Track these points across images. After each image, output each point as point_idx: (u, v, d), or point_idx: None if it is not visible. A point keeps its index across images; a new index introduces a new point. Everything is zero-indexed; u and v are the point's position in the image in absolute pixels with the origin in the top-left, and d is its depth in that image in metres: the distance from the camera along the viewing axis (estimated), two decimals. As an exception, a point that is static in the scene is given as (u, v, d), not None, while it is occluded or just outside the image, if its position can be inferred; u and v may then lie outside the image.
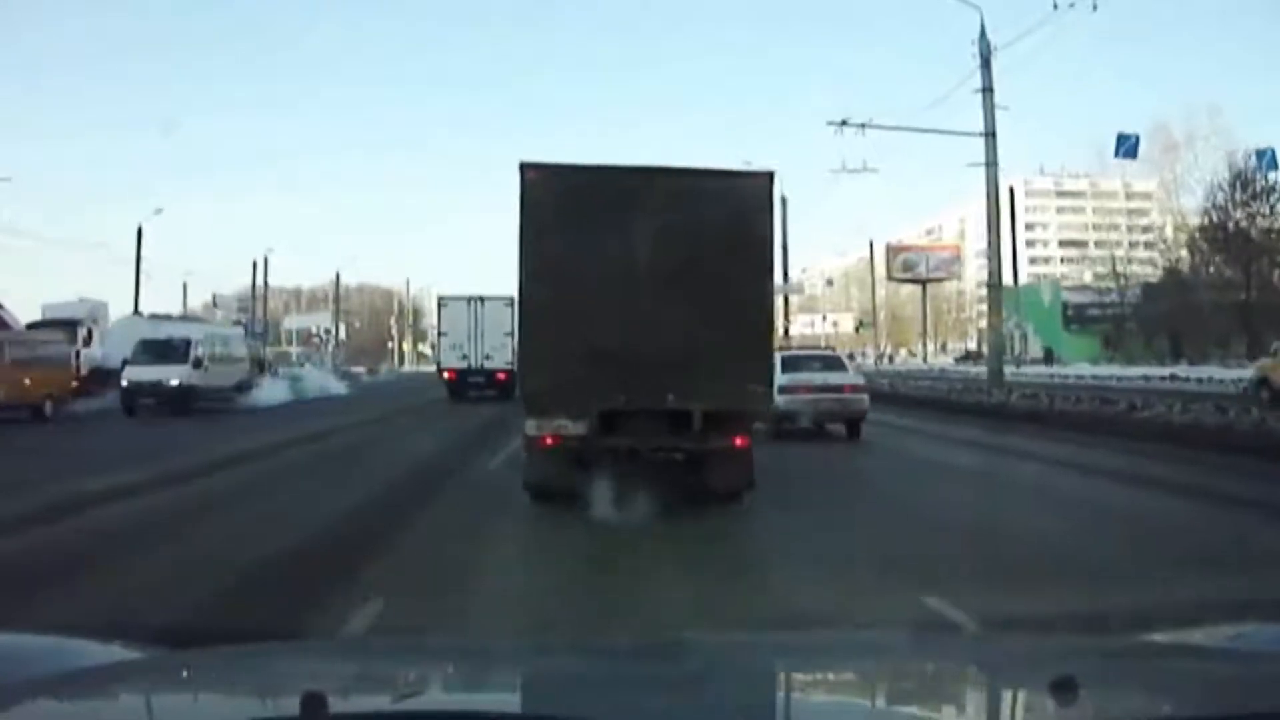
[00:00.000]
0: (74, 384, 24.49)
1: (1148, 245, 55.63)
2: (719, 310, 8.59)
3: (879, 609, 5.41)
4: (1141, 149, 29.46)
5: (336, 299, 76.29)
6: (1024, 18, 41.70)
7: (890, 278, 73.45)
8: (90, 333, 29.45)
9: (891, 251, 72.66)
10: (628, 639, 3.57)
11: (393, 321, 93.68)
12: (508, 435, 13.44)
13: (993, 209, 25.70)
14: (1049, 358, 53.80)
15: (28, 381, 21.83)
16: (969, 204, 61.30)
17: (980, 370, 33.96)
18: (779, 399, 11.73)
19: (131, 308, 37.57)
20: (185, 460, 13.48)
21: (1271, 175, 41.01)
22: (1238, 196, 45.67)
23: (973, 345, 72.15)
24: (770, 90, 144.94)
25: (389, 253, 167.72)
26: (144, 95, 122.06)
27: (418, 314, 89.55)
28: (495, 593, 6.24)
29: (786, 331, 43.72)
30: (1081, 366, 44.24)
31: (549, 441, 8.95)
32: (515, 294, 9.37)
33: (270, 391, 30.06)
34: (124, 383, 24.78)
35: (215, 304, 64.90)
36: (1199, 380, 28.84)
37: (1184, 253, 50.02)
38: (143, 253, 41.31)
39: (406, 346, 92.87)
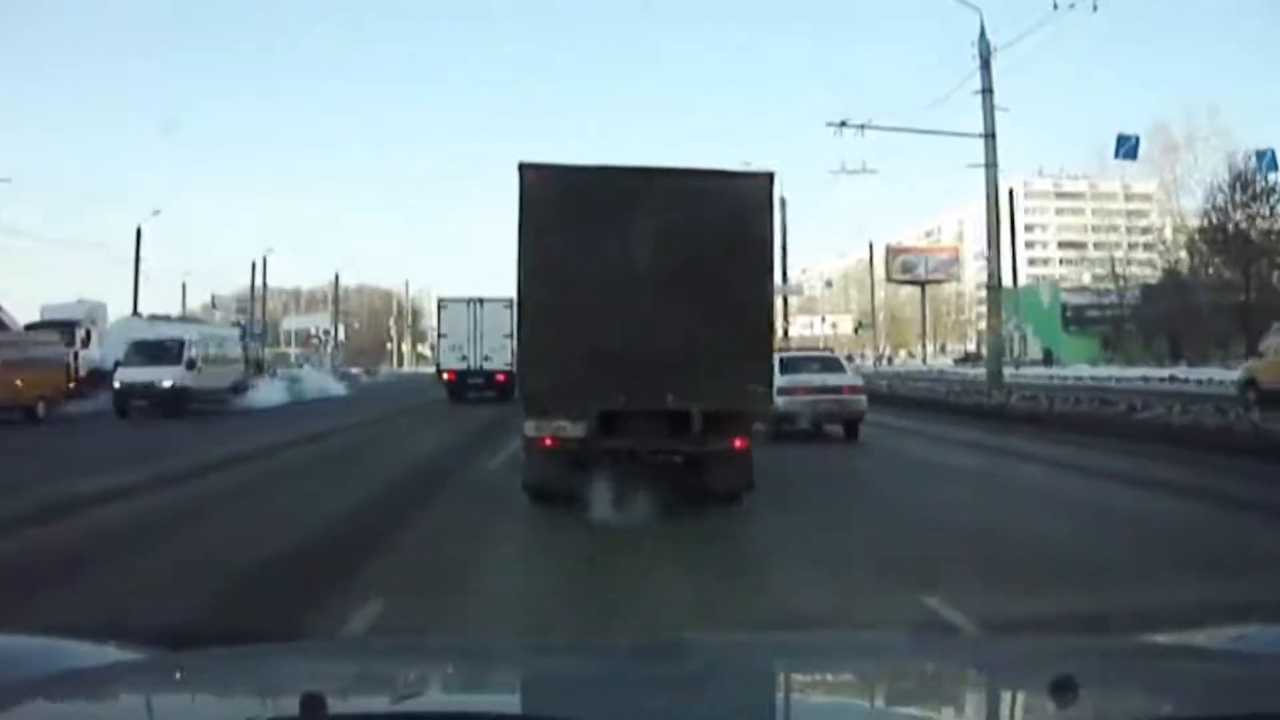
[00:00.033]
0: (69, 385, 24.46)
1: (1147, 246, 55.53)
2: (719, 311, 8.58)
3: (878, 610, 5.40)
4: (1141, 150, 29.43)
5: (335, 300, 76.32)
6: (1024, 18, 41.68)
7: (889, 279, 73.48)
8: (88, 334, 29.47)
9: (891, 253, 72.68)
10: (627, 639, 3.57)
11: (392, 323, 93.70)
12: (507, 436, 13.43)
13: (992, 210, 25.69)
14: (1048, 359, 53.79)
15: (20, 383, 21.82)
16: (968, 205, 61.35)
17: (979, 372, 33.99)
18: (777, 400, 11.73)
19: (131, 309, 37.63)
20: (180, 461, 13.45)
21: (1271, 176, 40.92)
22: (1237, 198, 45.57)
23: (972, 347, 72.18)
24: (770, 90, 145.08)
25: (388, 253, 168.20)
26: (144, 95, 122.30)
27: (417, 315, 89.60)
28: (495, 593, 6.24)
29: (786, 333, 43.82)
30: (1081, 368, 44.21)
31: (548, 442, 8.93)
32: (514, 295, 9.34)
33: (267, 393, 29.98)
34: (116, 384, 24.66)
35: (214, 305, 64.90)
36: (1198, 382, 28.82)
37: (1183, 254, 49.94)
38: (142, 253, 41.47)
39: (405, 348, 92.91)
